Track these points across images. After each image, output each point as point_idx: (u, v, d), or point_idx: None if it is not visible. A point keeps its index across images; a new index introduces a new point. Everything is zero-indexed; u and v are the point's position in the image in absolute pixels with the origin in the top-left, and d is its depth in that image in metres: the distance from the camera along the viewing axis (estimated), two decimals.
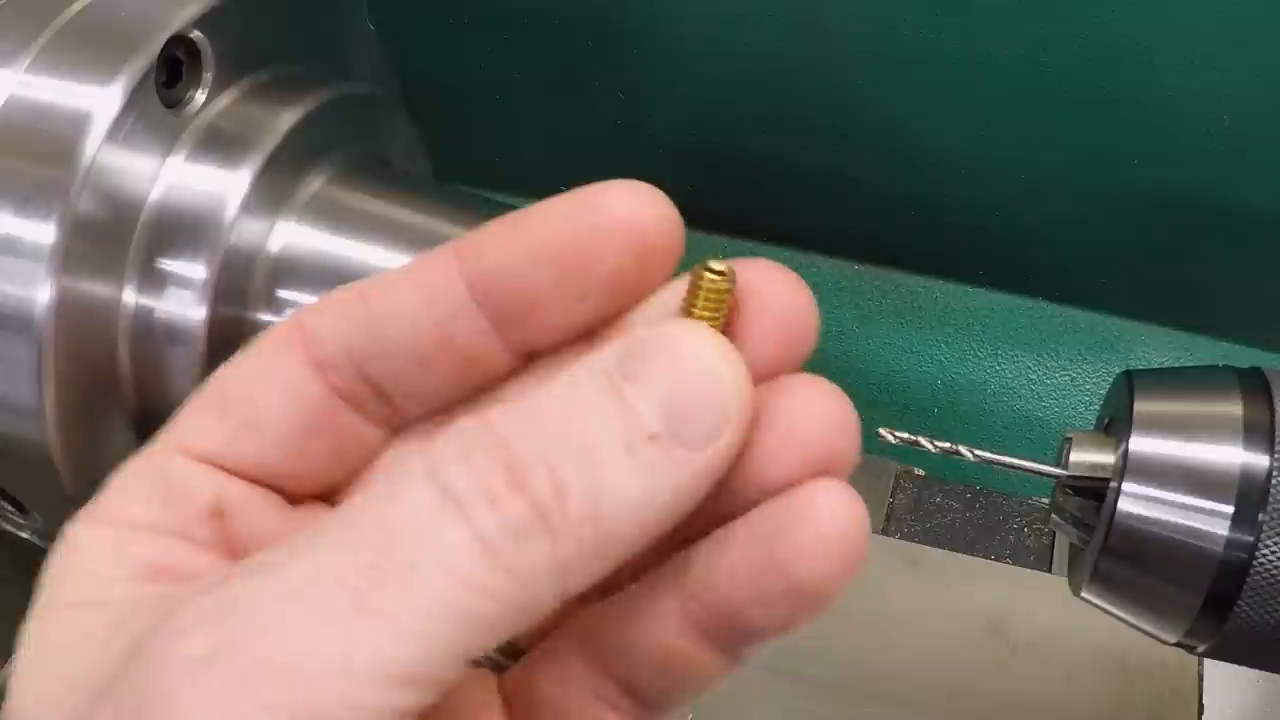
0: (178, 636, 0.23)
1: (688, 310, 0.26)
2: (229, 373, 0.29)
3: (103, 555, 0.27)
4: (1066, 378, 0.87)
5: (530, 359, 0.29)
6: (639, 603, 0.27)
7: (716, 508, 0.26)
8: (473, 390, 0.29)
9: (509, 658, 0.30)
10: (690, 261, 0.27)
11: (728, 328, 0.27)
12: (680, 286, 0.27)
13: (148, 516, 0.28)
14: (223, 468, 0.28)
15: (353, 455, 0.29)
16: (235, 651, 0.23)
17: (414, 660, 0.22)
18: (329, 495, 0.30)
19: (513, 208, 0.69)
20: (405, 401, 0.29)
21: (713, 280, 0.26)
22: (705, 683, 0.28)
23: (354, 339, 0.28)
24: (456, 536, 0.23)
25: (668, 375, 0.24)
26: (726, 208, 0.90)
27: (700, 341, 0.25)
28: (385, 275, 0.28)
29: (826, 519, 0.25)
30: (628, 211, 0.26)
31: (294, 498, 0.29)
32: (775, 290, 0.28)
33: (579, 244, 0.26)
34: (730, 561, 0.26)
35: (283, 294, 0.58)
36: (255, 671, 0.22)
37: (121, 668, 0.24)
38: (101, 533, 0.28)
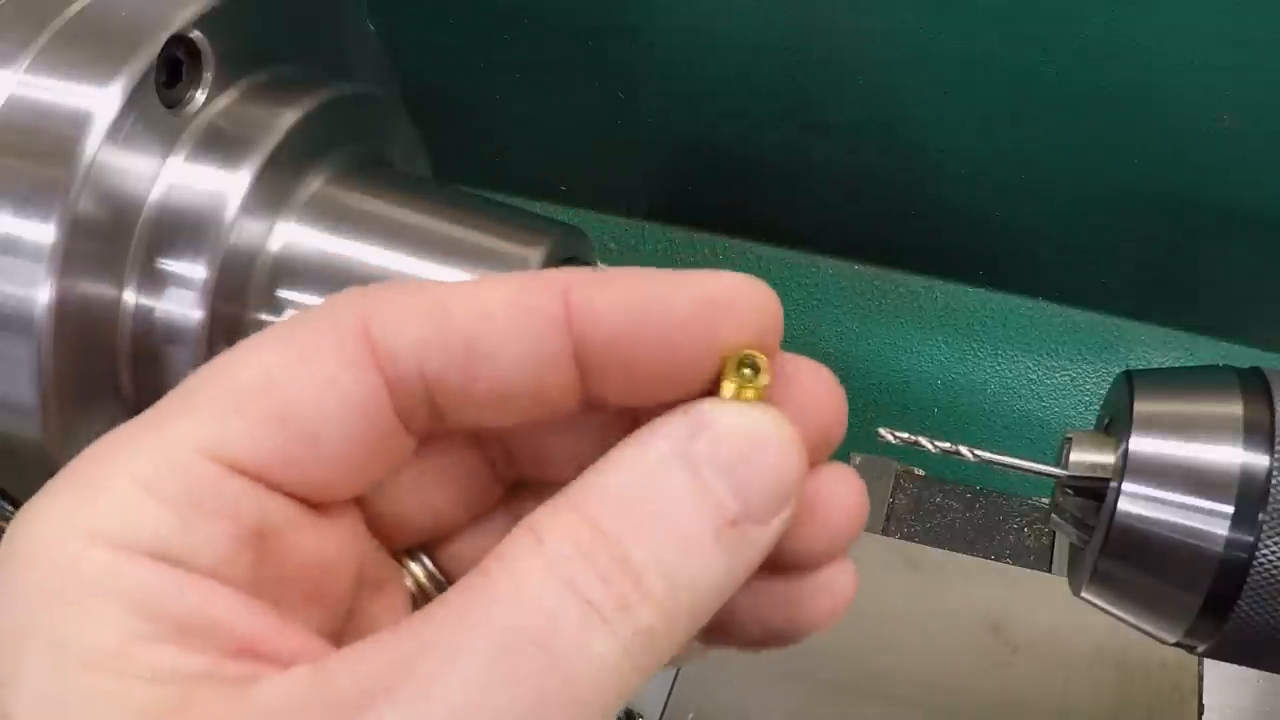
0: None
1: (742, 388, 0.27)
2: (275, 369, 0.25)
3: (116, 599, 0.23)
4: (1066, 378, 0.87)
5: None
6: None
7: None
8: (543, 423, 0.28)
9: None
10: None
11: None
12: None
13: (169, 543, 0.24)
14: (265, 482, 0.25)
15: (392, 464, 0.28)
16: None
17: None
18: (352, 496, 0.28)
19: (513, 208, 0.69)
20: (460, 423, 0.28)
21: (754, 375, 0.27)
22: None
23: (434, 363, 0.26)
24: (606, 649, 0.23)
25: (744, 459, 0.25)
26: (726, 207, 0.90)
27: (771, 426, 0.26)
28: (476, 294, 0.26)
29: (846, 590, 0.29)
30: (759, 323, 0.27)
31: (320, 504, 0.27)
32: (814, 389, 0.28)
33: (703, 344, 0.26)
34: (757, 612, 0.29)
35: (283, 294, 0.58)
36: None
37: None
38: (108, 560, 0.23)
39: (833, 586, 0.29)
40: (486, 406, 0.27)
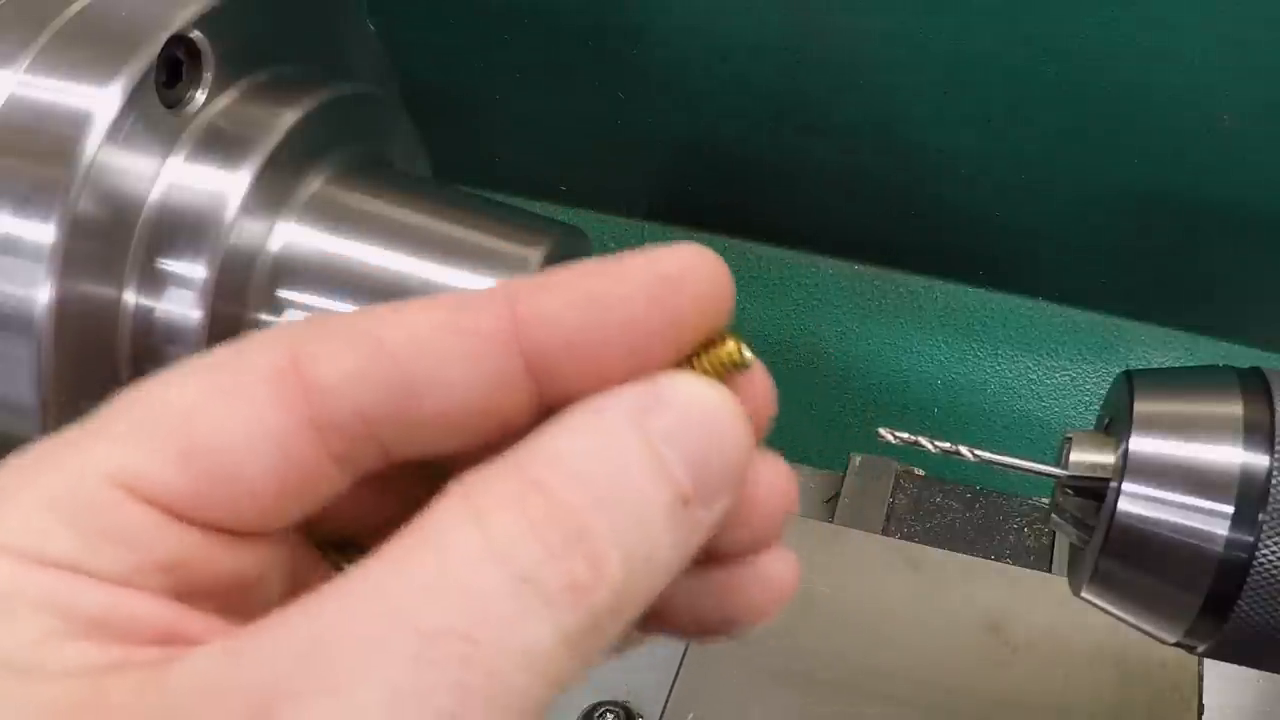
0: None
1: (700, 364, 0.26)
2: (194, 401, 0.24)
3: (26, 602, 0.22)
4: (1066, 378, 0.87)
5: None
6: None
7: None
8: (489, 433, 0.27)
9: (344, 554, 0.29)
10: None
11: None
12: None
13: (78, 556, 0.23)
14: (172, 515, 0.24)
15: (324, 501, 0.26)
16: None
17: None
18: (278, 528, 0.27)
19: (513, 208, 0.69)
20: (409, 455, 0.26)
21: (732, 355, 0.26)
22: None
23: (372, 401, 0.25)
24: (545, 637, 0.22)
25: (700, 439, 0.24)
26: (726, 207, 0.90)
27: (727, 407, 0.25)
28: (412, 320, 0.25)
29: (783, 587, 0.28)
30: (711, 295, 0.26)
31: (242, 534, 0.26)
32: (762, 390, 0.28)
33: (658, 327, 0.25)
34: (687, 604, 0.28)
35: (283, 294, 0.58)
36: None
37: None
38: (15, 570, 0.23)
39: (770, 578, 0.28)
40: (435, 435, 0.25)
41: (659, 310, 0.25)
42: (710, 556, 0.27)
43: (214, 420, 0.24)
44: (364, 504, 0.28)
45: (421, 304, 0.25)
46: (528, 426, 0.26)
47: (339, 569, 0.28)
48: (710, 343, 0.27)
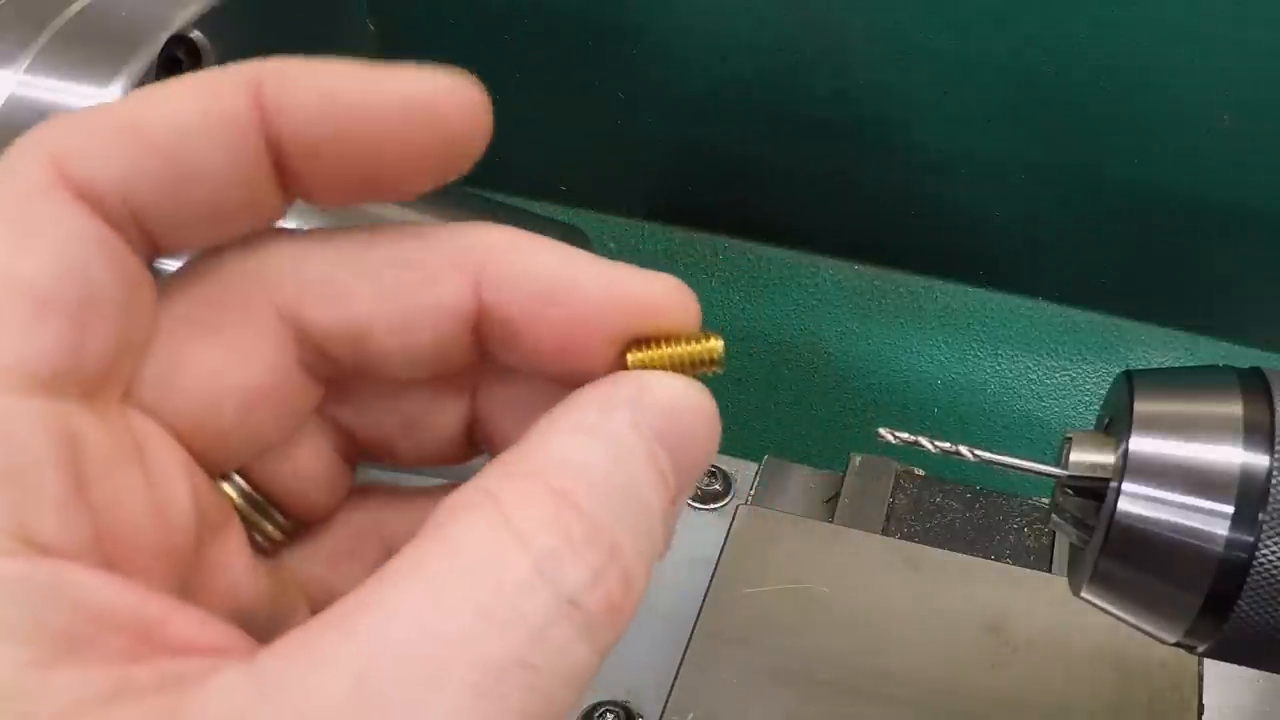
0: None
1: (676, 355, 0.27)
2: (11, 261, 0.22)
3: None
4: (1066, 378, 0.87)
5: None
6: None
7: None
8: (245, 224, 0.26)
9: (287, 536, 0.29)
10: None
11: None
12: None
13: (10, 516, 0.21)
14: (66, 388, 0.22)
15: (144, 307, 0.25)
16: None
17: None
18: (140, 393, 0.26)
19: (512, 207, 0.69)
20: (173, 243, 0.26)
21: (712, 354, 0.27)
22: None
23: (143, 191, 0.24)
24: (588, 655, 0.22)
25: (685, 441, 0.25)
26: (726, 207, 0.90)
27: (706, 410, 0.25)
28: (168, 110, 0.24)
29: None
30: (465, 122, 0.25)
31: (106, 398, 0.24)
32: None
33: (406, 148, 0.25)
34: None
35: None
36: None
37: None
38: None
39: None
40: (198, 225, 0.25)
41: (405, 136, 0.25)
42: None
43: (35, 264, 0.22)
44: (263, 426, 0.27)
45: (177, 86, 0.25)
46: (271, 217, 0.26)
47: (230, 499, 0.28)
48: (690, 337, 0.27)
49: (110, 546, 0.22)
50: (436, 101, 0.25)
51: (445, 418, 0.29)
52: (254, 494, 0.28)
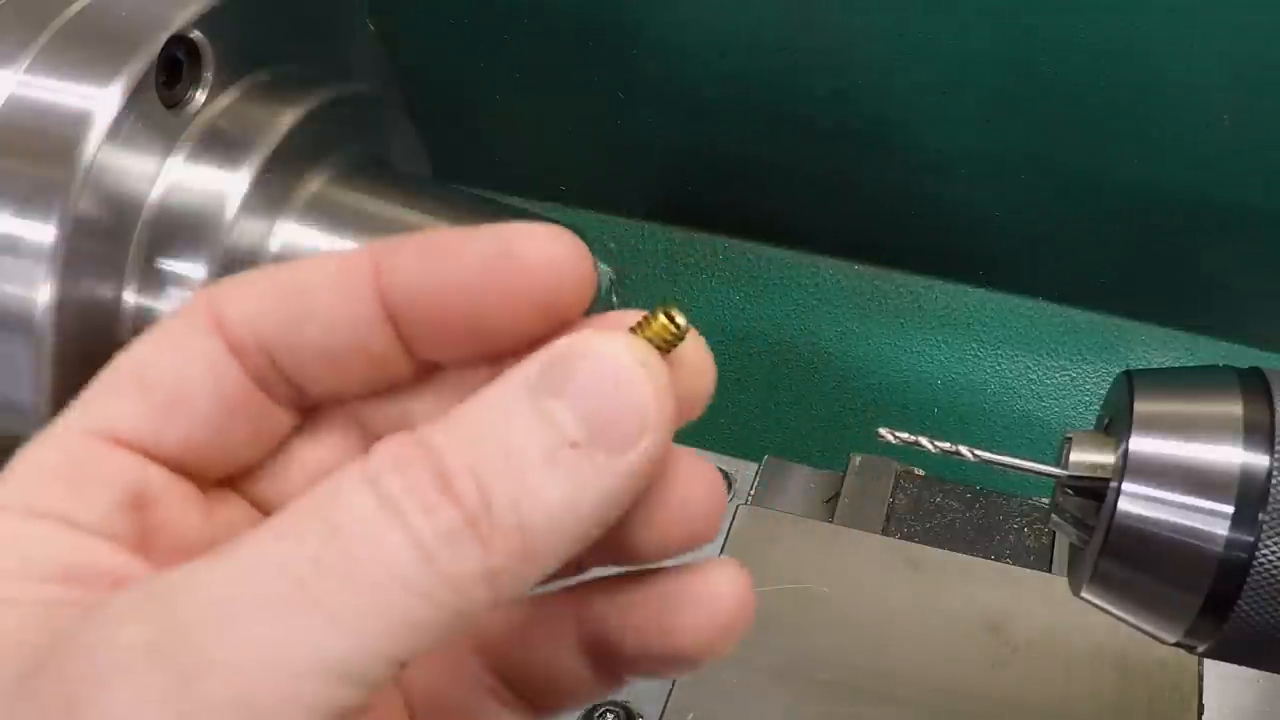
0: (115, 625, 0.23)
1: (638, 335, 0.27)
2: (143, 354, 0.29)
3: (12, 548, 0.26)
4: (1066, 378, 0.87)
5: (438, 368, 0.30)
6: (538, 617, 0.30)
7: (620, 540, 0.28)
8: (383, 387, 0.30)
9: None
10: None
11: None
12: (626, 319, 0.28)
13: (59, 506, 0.27)
14: (143, 452, 0.28)
15: (266, 437, 0.30)
16: (175, 642, 0.23)
17: (350, 655, 0.23)
18: (238, 480, 0.30)
19: (512, 207, 0.69)
20: (314, 390, 0.29)
21: (665, 325, 0.27)
22: (592, 696, 0.31)
23: (268, 330, 0.28)
24: (396, 540, 0.23)
25: (587, 382, 0.25)
26: (725, 207, 0.90)
27: (618, 347, 0.25)
28: (302, 267, 0.29)
29: (722, 600, 0.28)
30: (545, 265, 0.27)
31: (205, 484, 0.29)
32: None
33: (492, 288, 0.27)
34: (629, 621, 0.28)
35: None
36: (195, 664, 0.22)
37: (46, 660, 0.23)
38: (9, 523, 0.26)
39: (710, 591, 0.28)
40: (321, 366, 0.29)
41: (492, 281, 0.27)
42: (637, 554, 0.28)
43: (157, 359, 0.28)
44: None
45: (314, 256, 0.29)
46: (412, 378, 0.29)
47: None
48: (647, 316, 0.27)
49: (155, 554, 0.28)
50: (521, 245, 0.27)
51: None
52: None
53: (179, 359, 0.28)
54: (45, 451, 0.28)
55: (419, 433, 0.25)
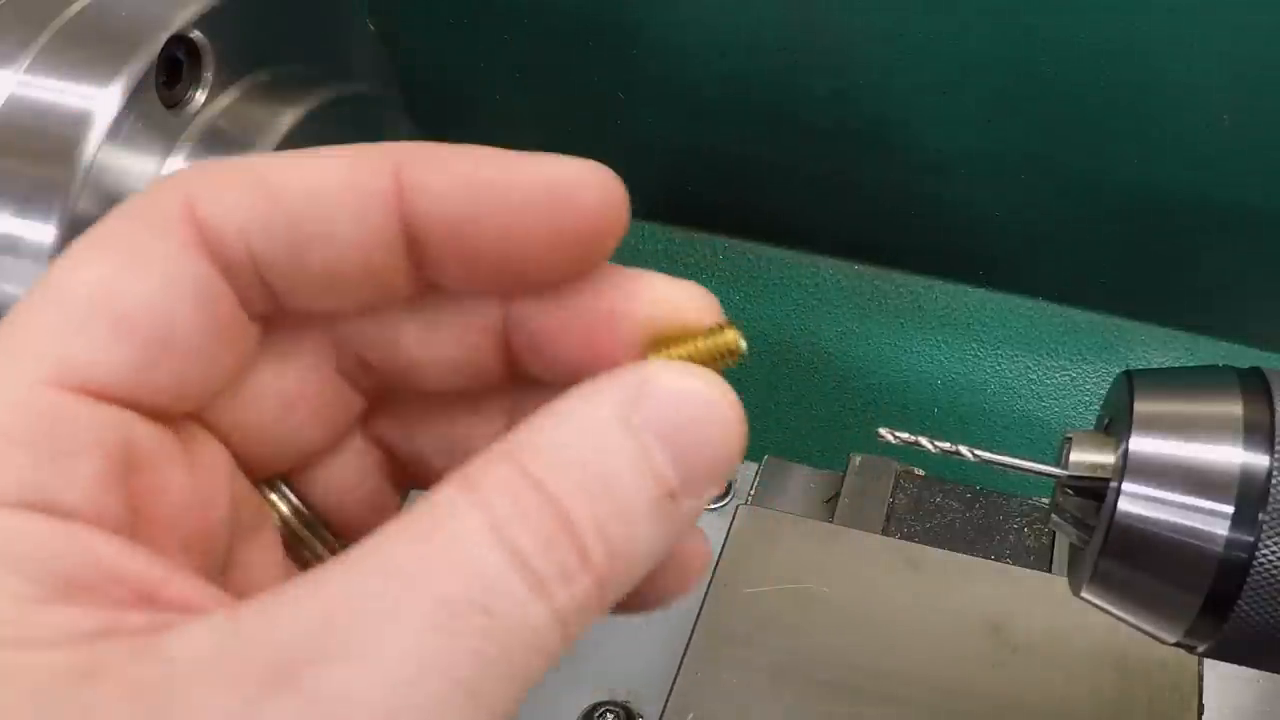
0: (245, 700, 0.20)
1: (695, 348, 0.26)
2: (112, 280, 0.23)
3: None
4: (1066, 378, 0.87)
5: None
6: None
7: None
8: (375, 306, 0.27)
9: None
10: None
11: None
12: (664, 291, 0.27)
13: (33, 488, 0.22)
14: (128, 404, 0.24)
15: (240, 360, 0.26)
16: None
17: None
18: (203, 408, 0.26)
19: None
20: (296, 306, 0.26)
21: (730, 345, 0.26)
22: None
23: (264, 247, 0.25)
24: (543, 615, 0.22)
25: (685, 426, 0.24)
26: (726, 207, 0.90)
27: (716, 399, 0.25)
28: (304, 170, 0.25)
29: (693, 567, 0.28)
30: (598, 209, 0.26)
31: (172, 421, 0.25)
32: None
33: (537, 227, 0.26)
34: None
35: None
36: None
37: None
38: None
39: (683, 557, 0.28)
40: (318, 288, 0.26)
41: (537, 220, 0.25)
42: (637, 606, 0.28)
43: (135, 288, 0.23)
44: (294, 425, 0.28)
45: (321, 154, 0.25)
46: (427, 320, 0.27)
47: (278, 510, 0.29)
48: (707, 330, 0.27)
49: (145, 527, 0.24)
50: (575, 187, 0.26)
51: (486, 440, 0.29)
52: (304, 510, 0.29)
53: (162, 286, 0.24)
54: (1, 416, 0.22)
55: (526, 463, 0.23)
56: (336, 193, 0.25)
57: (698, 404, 0.25)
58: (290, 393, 0.28)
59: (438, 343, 0.28)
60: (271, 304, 0.26)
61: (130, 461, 0.24)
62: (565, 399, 0.24)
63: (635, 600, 0.27)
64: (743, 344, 0.26)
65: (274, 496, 0.29)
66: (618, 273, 0.27)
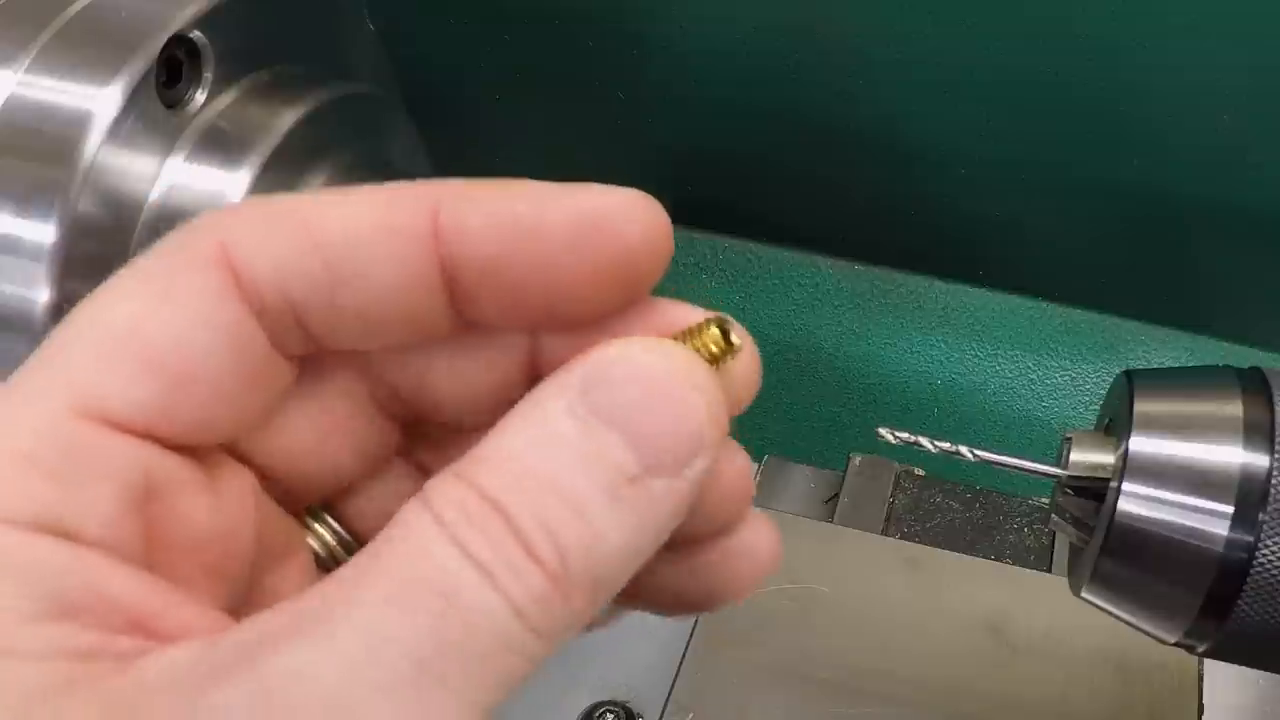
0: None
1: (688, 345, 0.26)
2: (143, 315, 0.24)
3: (7, 578, 0.22)
4: (1066, 378, 0.87)
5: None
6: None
7: None
8: (413, 343, 0.27)
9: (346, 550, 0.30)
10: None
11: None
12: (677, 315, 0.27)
13: (52, 513, 0.22)
14: (150, 436, 0.24)
15: (274, 397, 0.26)
16: None
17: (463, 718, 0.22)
18: (232, 442, 0.27)
19: None
20: (333, 345, 0.26)
21: (717, 338, 0.26)
22: None
23: (301, 290, 0.25)
24: (501, 607, 0.22)
25: (634, 404, 0.24)
26: (726, 208, 0.90)
27: (662, 362, 0.24)
28: (340, 211, 0.25)
29: (761, 559, 0.28)
30: (640, 238, 0.25)
31: (201, 453, 0.26)
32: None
33: (578, 261, 0.25)
34: (672, 580, 0.28)
35: None
36: None
37: None
38: (3, 542, 0.22)
39: (753, 551, 0.28)
40: (354, 329, 0.25)
41: (580, 256, 0.25)
42: (679, 540, 0.27)
43: (163, 326, 0.24)
44: (330, 456, 0.28)
45: (357, 195, 0.25)
46: (457, 351, 0.27)
47: (320, 537, 0.29)
48: (700, 325, 0.26)
49: (163, 554, 0.24)
50: (616, 219, 0.25)
51: None
52: (346, 536, 0.29)
53: (191, 325, 0.24)
54: (24, 441, 0.23)
55: (476, 478, 0.23)
56: (373, 235, 0.25)
57: (651, 379, 0.24)
58: (324, 424, 0.28)
59: (468, 376, 0.27)
60: (308, 344, 0.26)
61: (149, 491, 0.24)
62: (522, 401, 0.24)
63: (695, 600, 0.28)
64: (735, 336, 0.26)
65: (315, 524, 0.29)
66: (652, 304, 0.26)
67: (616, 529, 0.23)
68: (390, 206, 0.25)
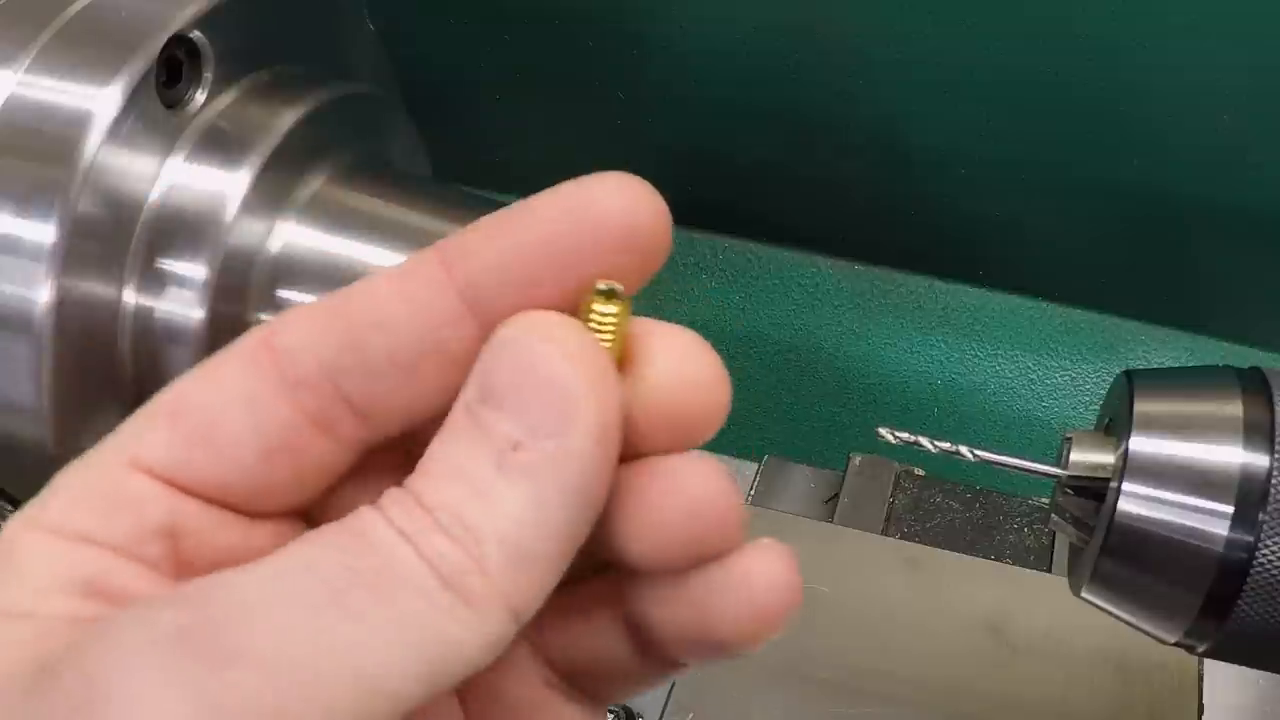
0: (143, 615, 0.23)
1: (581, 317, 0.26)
2: (189, 386, 0.28)
3: (38, 563, 0.26)
4: (1066, 378, 0.87)
5: None
6: (579, 607, 0.29)
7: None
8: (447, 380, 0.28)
9: None
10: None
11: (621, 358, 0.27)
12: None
13: (91, 528, 0.26)
14: (171, 483, 0.27)
15: (319, 478, 0.28)
16: (206, 631, 0.23)
17: (381, 670, 0.23)
18: (298, 515, 0.29)
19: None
20: (383, 416, 0.27)
21: (594, 299, 0.26)
22: (647, 681, 0.30)
23: (331, 353, 0.27)
24: (420, 565, 0.24)
25: (508, 377, 0.25)
26: (726, 208, 0.90)
27: (527, 329, 0.25)
28: (363, 284, 0.27)
29: (759, 589, 0.26)
30: (622, 210, 0.26)
31: (256, 515, 0.28)
32: (674, 360, 0.27)
33: (573, 242, 0.26)
34: (667, 609, 0.27)
35: (282, 294, 0.58)
36: (225, 653, 0.22)
37: (63, 655, 0.23)
38: (38, 539, 0.26)
39: (746, 580, 0.26)
40: (395, 384, 0.27)
41: (569, 231, 0.26)
42: (636, 564, 0.27)
43: (197, 392, 0.27)
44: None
45: (374, 275, 0.28)
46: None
47: None
48: (590, 295, 0.26)
49: (185, 572, 0.27)
50: (598, 194, 0.26)
51: None
52: None
53: (215, 390, 0.27)
54: (78, 476, 0.27)
55: (413, 484, 0.25)
56: (389, 284, 0.27)
57: (517, 351, 0.25)
58: (264, 439, 0.29)
59: (441, 368, 0.29)
60: (356, 419, 0.27)
61: (174, 527, 0.27)
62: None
63: (693, 637, 0.27)
64: (603, 285, 0.26)
65: None
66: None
67: (512, 495, 0.24)
68: (401, 266, 0.27)
